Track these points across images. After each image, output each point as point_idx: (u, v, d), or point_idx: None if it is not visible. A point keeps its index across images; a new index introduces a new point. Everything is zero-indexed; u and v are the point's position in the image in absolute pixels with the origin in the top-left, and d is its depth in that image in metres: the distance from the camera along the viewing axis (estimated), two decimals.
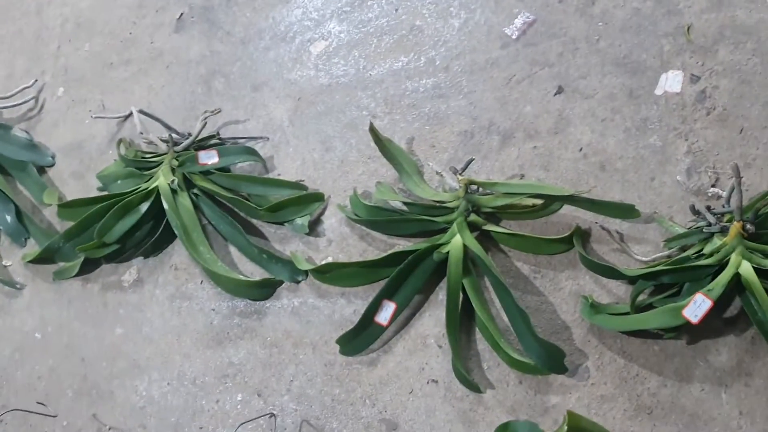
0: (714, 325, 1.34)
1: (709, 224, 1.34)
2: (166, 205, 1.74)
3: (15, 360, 1.85)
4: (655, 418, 1.33)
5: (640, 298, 1.37)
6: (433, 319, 1.53)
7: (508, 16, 1.72)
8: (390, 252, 1.54)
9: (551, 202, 1.48)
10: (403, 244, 1.60)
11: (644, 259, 1.41)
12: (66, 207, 1.87)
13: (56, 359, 1.78)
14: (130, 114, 1.96)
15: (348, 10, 1.91)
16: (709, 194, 1.42)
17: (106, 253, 1.80)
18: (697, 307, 1.25)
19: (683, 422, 1.31)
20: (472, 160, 1.55)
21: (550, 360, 1.38)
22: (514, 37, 1.70)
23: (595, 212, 1.46)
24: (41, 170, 2.06)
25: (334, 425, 1.51)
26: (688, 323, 1.26)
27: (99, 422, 1.67)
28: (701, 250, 1.35)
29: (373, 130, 1.60)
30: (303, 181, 1.73)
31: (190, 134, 1.85)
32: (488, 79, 1.68)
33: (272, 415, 1.54)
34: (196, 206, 1.78)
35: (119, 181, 1.88)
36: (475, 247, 1.47)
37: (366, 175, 1.70)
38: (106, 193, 1.87)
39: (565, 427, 0.71)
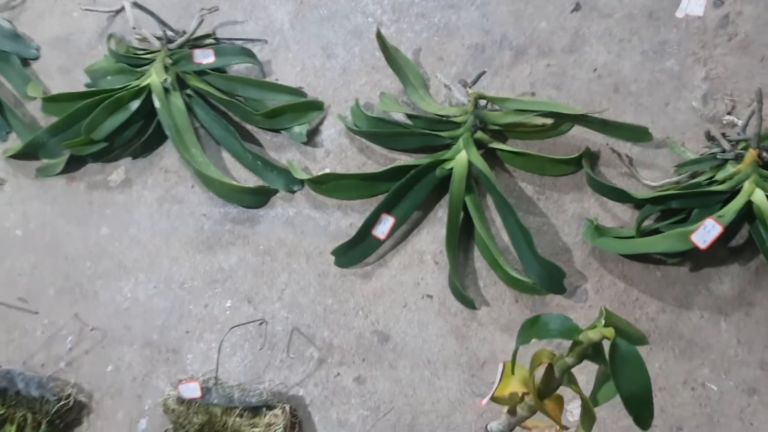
0: (718, 253, 1.32)
1: (724, 151, 1.31)
2: (157, 104, 1.67)
3: None
4: (652, 342, 1.32)
5: (646, 223, 1.34)
6: (431, 236, 1.50)
7: None
8: (391, 166, 1.49)
9: (562, 122, 1.43)
10: (404, 159, 1.55)
11: (653, 184, 1.37)
12: (52, 101, 1.78)
13: (38, 256, 1.73)
14: (122, 8, 1.85)
15: None
16: (724, 122, 1.38)
17: (93, 151, 1.73)
18: (706, 232, 1.23)
19: (680, 348, 1.30)
20: (483, 72, 1.49)
21: (549, 280, 1.35)
22: None
23: (607, 134, 1.42)
24: (25, 63, 1.96)
25: (325, 334, 1.49)
26: (693, 249, 1.24)
27: (81, 321, 1.63)
28: (713, 176, 1.32)
29: (380, 36, 1.52)
30: (302, 87, 1.65)
31: (185, 32, 1.75)
32: None
33: (263, 321, 1.51)
34: (189, 107, 1.71)
35: (109, 77, 1.79)
36: (481, 164, 1.43)
37: (369, 86, 1.64)
38: (95, 88, 1.78)
39: (602, 321, 0.69)
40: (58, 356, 1.62)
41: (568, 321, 0.74)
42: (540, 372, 0.78)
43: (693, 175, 1.36)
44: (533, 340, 0.76)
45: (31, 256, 1.73)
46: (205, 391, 1.40)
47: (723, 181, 1.28)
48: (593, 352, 0.72)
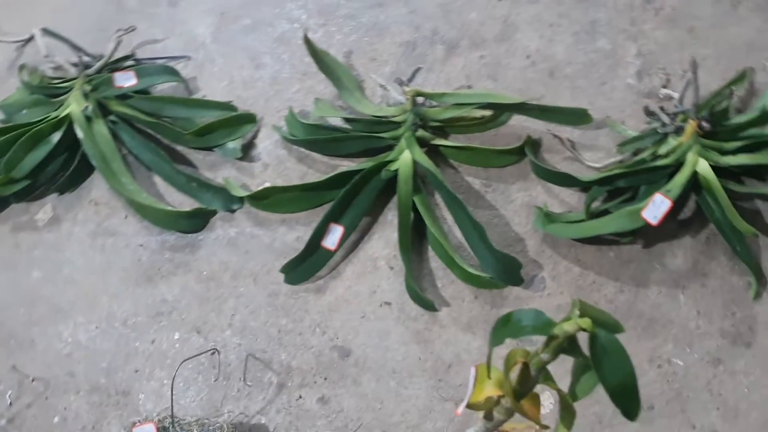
0: (669, 228, 1.32)
1: (664, 125, 1.31)
2: (80, 134, 1.57)
3: None
4: None
5: (594, 205, 1.33)
6: (382, 241, 1.45)
7: None
8: (334, 173, 1.44)
9: (501, 112, 1.42)
10: (346, 165, 1.51)
11: (598, 165, 1.36)
12: None
13: None
14: (32, 37, 1.75)
15: None
16: (661, 96, 1.38)
17: (16, 191, 1.62)
18: (656, 207, 1.22)
19: (642, 326, 1.29)
20: (419, 69, 1.46)
21: (506, 272, 1.33)
22: None
23: (546, 120, 1.41)
24: None
25: (282, 357, 1.43)
26: (644, 227, 1.24)
27: (20, 373, 1.52)
28: (656, 151, 1.32)
29: (308, 42, 1.48)
30: (232, 101, 1.59)
31: (102, 56, 1.67)
32: None
33: (214, 351, 1.44)
34: (114, 134, 1.62)
35: (25, 111, 1.68)
36: (426, 162, 1.39)
37: (302, 93, 1.58)
38: (10, 124, 1.67)
39: (577, 312, 0.65)
40: None
41: (542, 315, 0.70)
42: (515, 372, 0.74)
43: (636, 152, 1.36)
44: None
45: None
46: (162, 431, 1.32)
47: (666, 155, 1.28)
48: (569, 345, 0.69)
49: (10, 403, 1.51)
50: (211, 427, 1.33)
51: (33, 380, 1.52)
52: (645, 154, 1.32)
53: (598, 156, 1.39)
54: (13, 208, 1.67)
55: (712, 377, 1.25)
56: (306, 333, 1.43)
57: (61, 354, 1.53)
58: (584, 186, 1.35)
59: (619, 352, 0.65)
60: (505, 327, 0.71)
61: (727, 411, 1.20)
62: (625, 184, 1.30)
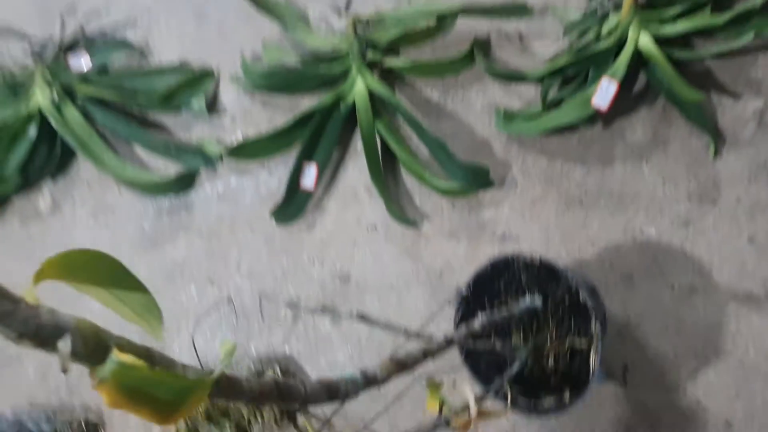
0: (625, 104, 1.34)
1: (603, 3, 1.30)
2: (53, 123, 1.63)
3: None
4: (587, 206, 1.37)
5: (552, 95, 1.36)
6: (357, 170, 1.51)
7: None
8: (296, 116, 1.48)
9: (444, 19, 1.41)
10: (308, 102, 1.54)
11: (547, 56, 1.37)
12: None
13: None
14: None
15: None
16: None
17: (13, 187, 1.71)
18: (604, 92, 1.25)
19: (613, 203, 1.35)
20: None
21: (475, 179, 1.39)
22: None
23: (490, 18, 1.40)
24: None
25: (291, 291, 1.54)
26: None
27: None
28: (599, 32, 1.32)
29: None
30: (186, 59, 1.61)
31: (52, 38, 1.68)
32: None
33: (230, 300, 1.56)
34: (85, 115, 1.67)
35: None
36: (378, 87, 1.42)
37: (251, 37, 1.59)
38: None
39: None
40: (56, 386, 1.68)
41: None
42: None
43: (583, 34, 1.36)
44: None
45: None
46: None
47: (609, 34, 1.29)
48: None
49: (65, 375, 1.68)
50: (241, 366, 1.48)
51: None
52: (590, 35, 1.32)
53: (546, 44, 1.40)
54: (16, 202, 1.77)
55: (684, 238, 1.32)
56: (306, 267, 1.54)
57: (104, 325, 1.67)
58: (536, 80, 1.37)
59: None
60: None
61: (702, 268, 1.28)
62: (575, 72, 1.32)
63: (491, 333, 1.19)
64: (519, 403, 1.15)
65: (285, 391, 0.72)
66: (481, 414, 0.87)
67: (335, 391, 0.77)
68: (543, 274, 1.19)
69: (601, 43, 1.28)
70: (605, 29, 1.30)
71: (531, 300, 1.05)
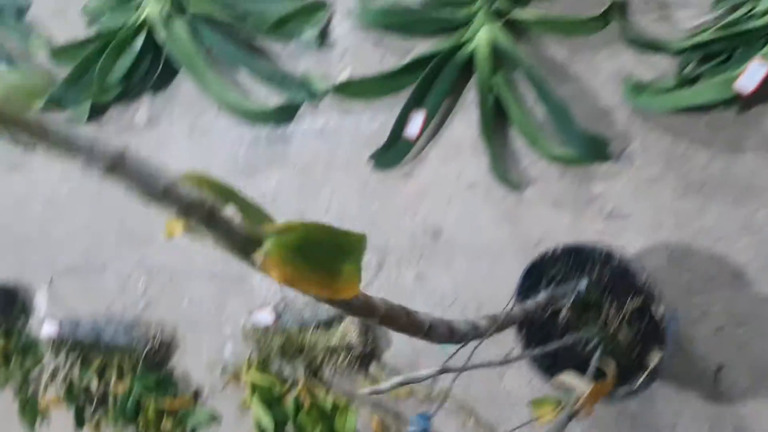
0: (765, 89, 1.24)
1: None
2: (161, 37, 1.61)
3: (47, 218, 1.85)
4: (706, 194, 1.29)
5: (688, 69, 1.27)
6: (464, 122, 1.45)
7: None
8: (411, 59, 1.42)
9: None
10: (423, 45, 1.48)
11: (690, 26, 1.27)
12: (59, 53, 1.74)
13: (89, 212, 1.78)
14: None
15: None
16: None
17: (111, 97, 1.71)
18: (752, 75, 1.15)
19: (735, 194, 1.27)
20: None
21: (593, 149, 1.32)
22: None
23: None
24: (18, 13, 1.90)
25: (378, 238, 1.51)
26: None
27: (147, 264, 1.70)
28: (752, 9, 1.21)
29: None
30: None
31: None
32: None
33: None
34: (194, 32, 1.64)
35: (107, 14, 1.73)
36: (504, 40, 1.35)
37: None
38: (95, 32, 1.73)
39: None
40: (134, 300, 1.71)
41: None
42: None
43: (734, 8, 1.26)
44: None
45: (82, 213, 1.78)
46: (278, 315, 1.47)
47: (764, 14, 1.18)
48: None
49: (144, 290, 1.71)
50: (320, 309, 1.47)
51: (159, 272, 1.70)
52: (741, 12, 1.22)
53: (691, 13, 1.30)
54: (113, 112, 1.78)
55: None
56: (398, 216, 1.50)
57: (180, 246, 1.68)
58: (675, 53, 1.28)
59: None
60: None
61: None
62: (720, 49, 1.22)
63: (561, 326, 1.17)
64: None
65: (413, 319, 0.76)
66: (593, 393, 0.83)
67: (456, 332, 0.80)
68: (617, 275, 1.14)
69: (756, 21, 1.18)
70: (760, 7, 1.19)
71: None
